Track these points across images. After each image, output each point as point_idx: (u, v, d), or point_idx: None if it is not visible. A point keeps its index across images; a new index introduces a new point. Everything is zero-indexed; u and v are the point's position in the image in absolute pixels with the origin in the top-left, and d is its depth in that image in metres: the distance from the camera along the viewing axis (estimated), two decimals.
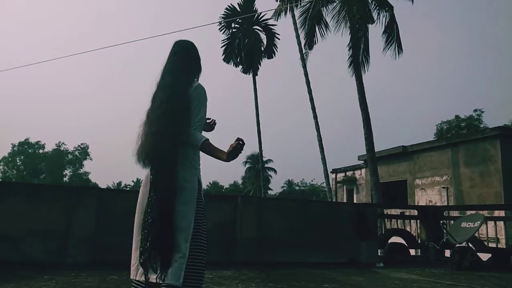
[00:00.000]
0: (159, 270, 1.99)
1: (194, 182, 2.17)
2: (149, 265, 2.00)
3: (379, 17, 15.98)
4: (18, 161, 55.07)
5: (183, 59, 2.31)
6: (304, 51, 19.28)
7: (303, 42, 18.50)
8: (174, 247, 2.01)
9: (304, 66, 20.12)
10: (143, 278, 2.04)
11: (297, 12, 19.00)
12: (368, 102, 15.22)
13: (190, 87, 2.23)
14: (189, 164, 2.17)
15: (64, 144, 56.21)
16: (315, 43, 17.25)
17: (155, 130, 2.11)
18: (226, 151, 2.13)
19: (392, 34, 15.84)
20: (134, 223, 2.20)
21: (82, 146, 56.69)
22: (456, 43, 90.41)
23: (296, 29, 20.10)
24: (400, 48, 15.87)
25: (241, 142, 2.11)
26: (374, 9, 16.11)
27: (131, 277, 2.12)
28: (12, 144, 54.87)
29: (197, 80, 2.34)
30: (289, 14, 20.44)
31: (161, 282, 1.98)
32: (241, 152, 2.13)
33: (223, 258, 6.18)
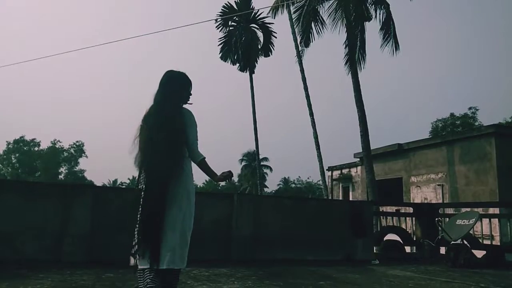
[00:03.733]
0: (150, 259, 2.41)
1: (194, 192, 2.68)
2: (140, 254, 2.44)
3: (376, 14, 16.03)
4: (13, 158, 54.74)
5: (175, 88, 2.70)
6: (300, 48, 19.26)
7: (299, 39, 18.48)
8: (161, 241, 2.44)
9: (300, 63, 20.11)
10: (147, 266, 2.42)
11: (292, 9, 18.99)
12: (364, 100, 15.27)
13: (181, 112, 2.65)
14: (192, 176, 2.64)
15: (60, 142, 55.94)
16: (312, 40, 17.22)
17: (156, 151, 2.50)
18: (218, 174, 2.67)
19: (389, 31, 15.88)
20: (130, 220, 2.57)
21: (77, 143, 56.43)
22: (452, 41, 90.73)
23: (292, 26, 20.07)
24: (397, 45, 15.91)
25: (231, 174, 2.69)
26: (371, 6, 16.14)
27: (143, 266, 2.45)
28: (7, 141, 54.57)
29: (189, 103, 2.76)
30: (285, 11, 20.42)
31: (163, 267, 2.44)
32: (228, 181, 2.78)
33: (219, 256, 6.18)
